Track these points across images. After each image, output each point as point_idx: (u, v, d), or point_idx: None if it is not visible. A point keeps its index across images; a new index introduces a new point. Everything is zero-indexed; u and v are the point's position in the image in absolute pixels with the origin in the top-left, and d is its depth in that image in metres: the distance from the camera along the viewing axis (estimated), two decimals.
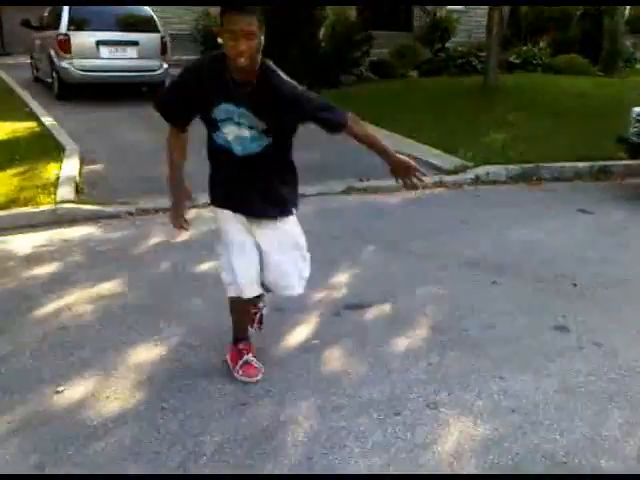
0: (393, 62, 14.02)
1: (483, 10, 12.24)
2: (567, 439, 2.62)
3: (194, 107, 2.64)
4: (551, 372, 3.11)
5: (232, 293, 2.91)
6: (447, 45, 15.86)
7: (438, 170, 7.04)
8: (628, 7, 18.59)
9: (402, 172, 2.71)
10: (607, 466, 2.47)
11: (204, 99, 2.58)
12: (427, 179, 6.68)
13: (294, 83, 2.57)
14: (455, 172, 6.97)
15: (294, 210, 2.86)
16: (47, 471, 2.41)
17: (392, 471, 2.43)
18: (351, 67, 12.94)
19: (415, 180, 2.71)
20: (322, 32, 13.05)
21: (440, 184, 6.64)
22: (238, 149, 2.66)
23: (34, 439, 2.58)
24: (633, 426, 2.72)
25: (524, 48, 15.26)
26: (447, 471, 2.43)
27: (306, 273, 2.96)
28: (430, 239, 5.01)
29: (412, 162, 2.72)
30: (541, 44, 15.91)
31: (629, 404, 2.87)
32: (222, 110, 2.58)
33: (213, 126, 2.65)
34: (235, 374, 3.00)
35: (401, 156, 2.70)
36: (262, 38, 2.44)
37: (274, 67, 2.57)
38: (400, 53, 14.43)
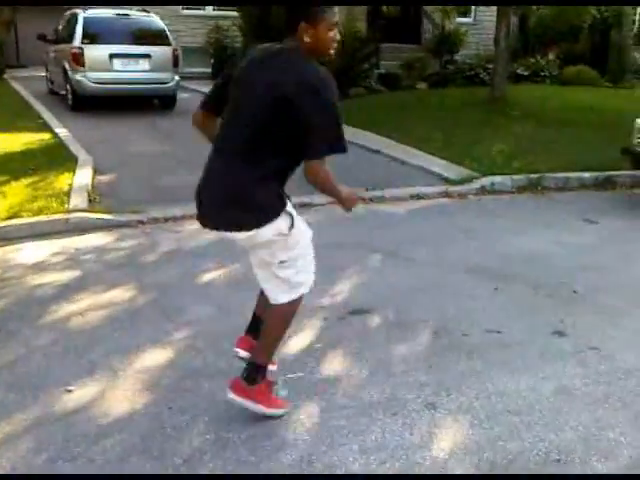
0: (402, 74, 14.17)
1: (491, 23, 12.34)
2: (561, 439, 2.69)
3: None
4: (547, 375, 3.19)
5: (303, 290, 2.75)
6: (456, 57, 16.00)
7: (444, 180, 7.13)
8: (637, 20, 18.67)
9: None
10: (600, 465, 2.54)
11: None
12: (433, 189, 6.83)
13: None
14: (461, 182, 7.05)
15: None
16: (60, 466, 2.52)
17: (389, 468, 2.51)
18: (360, 79, 13.08)
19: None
20: None
21: (446, 194, 6.72)
22: None
23: (46, 436, 2.69)
24: (626, 427, 2.79)
25: (532, 60, 15.36)
26: (441, 469, 2.51)
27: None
28: (433, 248, 5.09)
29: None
30: (550, 56, 16.00)
31: (623, 406, 2.94)
32: None
33: None
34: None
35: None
36: None
37: None
38: (409, 65, 14.59)
